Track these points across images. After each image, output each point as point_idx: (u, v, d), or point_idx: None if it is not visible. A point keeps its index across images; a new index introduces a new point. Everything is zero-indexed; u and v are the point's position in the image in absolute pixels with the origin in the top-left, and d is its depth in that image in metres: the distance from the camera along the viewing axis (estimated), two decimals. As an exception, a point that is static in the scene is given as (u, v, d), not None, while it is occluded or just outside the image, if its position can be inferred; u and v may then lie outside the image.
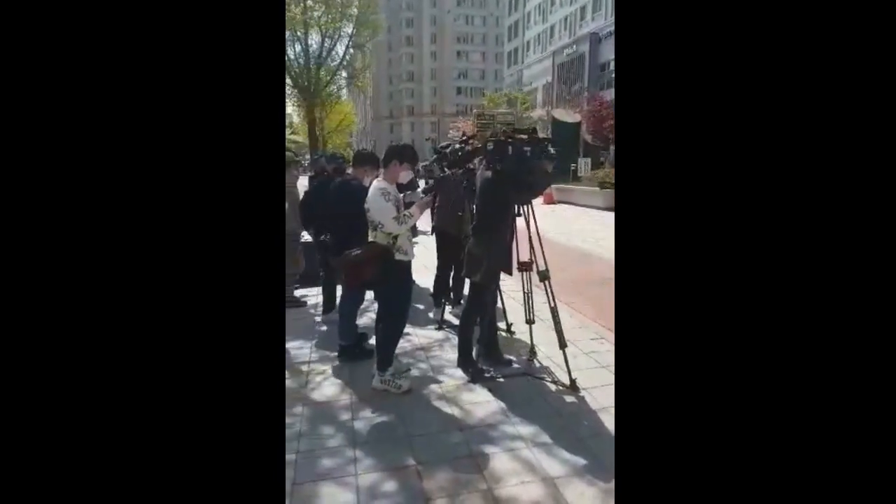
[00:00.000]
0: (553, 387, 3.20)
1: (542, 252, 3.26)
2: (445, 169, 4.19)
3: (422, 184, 5.62)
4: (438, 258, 4.82)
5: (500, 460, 2.41)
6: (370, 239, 3.10)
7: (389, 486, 2.23)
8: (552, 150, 3.30)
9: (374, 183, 3.12)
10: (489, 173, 3.22)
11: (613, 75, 31.27)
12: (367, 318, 4.31)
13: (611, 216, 12.79)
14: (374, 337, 3.22)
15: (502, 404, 2.95)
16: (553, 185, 14.97)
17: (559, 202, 15.79)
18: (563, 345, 3.19)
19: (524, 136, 3.23)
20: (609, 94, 25.90)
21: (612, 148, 20.96)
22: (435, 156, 4.45)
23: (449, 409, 2.93)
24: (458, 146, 3.89)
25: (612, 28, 31.14)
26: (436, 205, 4.52)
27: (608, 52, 32.22)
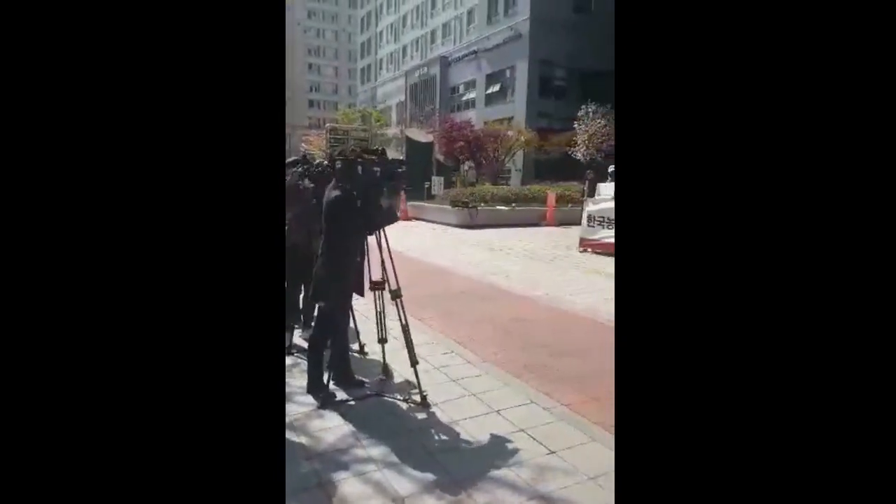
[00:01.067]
0: (405, 405, 3.23)
1: (394, 271, 3.29)
2: (306, 180, 4.07)
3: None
4: (287, 277, 4.60)
5: (350, 485, 2.35)
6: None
7: (228, 530, 2.06)
8: (403, 170, 3.37)
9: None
10: (337, 192, 3.18)
11: (463, 99, 33.15)
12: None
13: (463, 232, 13.38)
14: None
15: (353, 427, 2.90)
16: (408, 203, 15.27)
17: (414, 219, 16.14)
18: (414, 362, 3.24)
19: (374, 157, 3.25)
20: (459, 117, 27.30)
21: (462, 168, 21.98)
22: (301, 167, 4.29)
23: (297, 438, 2.80)
24: (326, 163, 3.81)
25: (461, 53, 33.04)
26: (286, 220, 4.33)
27: (457, 76, 34.08)
